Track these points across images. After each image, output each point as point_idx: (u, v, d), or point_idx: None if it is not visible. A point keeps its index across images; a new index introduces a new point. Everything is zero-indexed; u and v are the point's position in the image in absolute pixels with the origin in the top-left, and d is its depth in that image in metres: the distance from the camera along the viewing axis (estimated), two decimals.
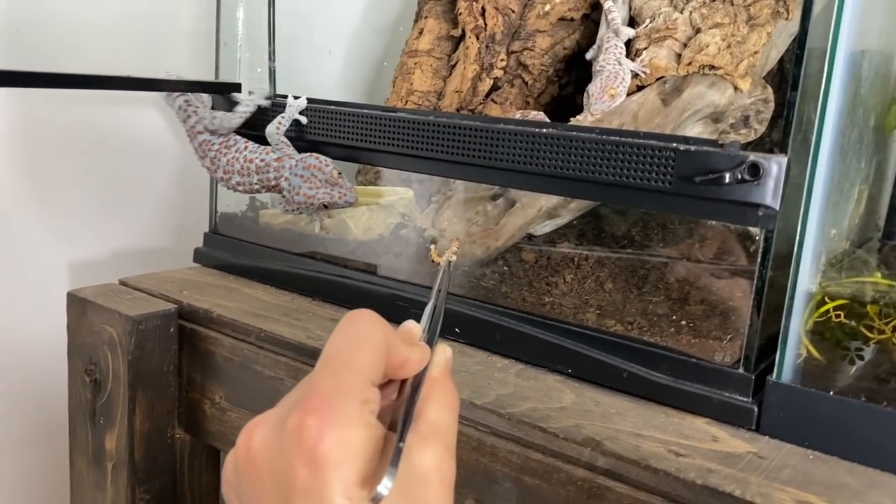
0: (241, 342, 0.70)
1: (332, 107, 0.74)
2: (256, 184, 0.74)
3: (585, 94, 0.77)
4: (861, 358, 0.56)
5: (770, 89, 0.79)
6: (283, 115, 0.76)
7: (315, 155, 0.72)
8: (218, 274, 0.86)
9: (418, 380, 0.38)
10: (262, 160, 0.73)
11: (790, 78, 0.86)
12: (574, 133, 0.60)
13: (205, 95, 0.80)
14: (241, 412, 0.71)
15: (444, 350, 0.42)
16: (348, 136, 0.73)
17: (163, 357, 0.73)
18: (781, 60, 0.84)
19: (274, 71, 0.91)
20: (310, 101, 0.78)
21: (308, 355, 0.65)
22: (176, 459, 0.77)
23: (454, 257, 0.54)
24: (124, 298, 0.75)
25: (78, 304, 0.76)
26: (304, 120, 0.76)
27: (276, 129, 0.75)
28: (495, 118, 0.72)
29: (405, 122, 0.69)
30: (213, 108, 0.81)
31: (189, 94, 0.78)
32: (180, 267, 0.88)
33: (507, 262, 0.74)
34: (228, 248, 0.87)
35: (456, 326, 0.68)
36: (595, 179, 0.59)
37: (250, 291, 0.80)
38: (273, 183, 0.73)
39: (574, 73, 0.96)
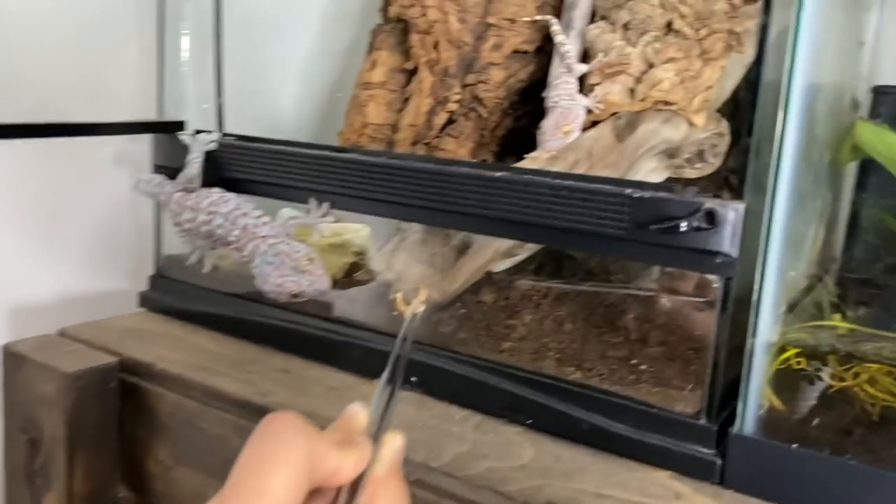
0: (185, 398, 0.67)
1: (280, 147, 0.72)
2: (233, 237, 0.70)
3: (539, 131, 0.75)
4: (819, 378, 0.55)
5: (725, 123, 0.78)
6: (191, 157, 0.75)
7: (287, 241, 0.68)
8: (164, 320, 0.82)
9: (358, 482, 0.34)
10: (253, 225, 0.69)
11: (744, 110, 0.85)
12: (528, 177, 0.59)
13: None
14: (187, 471, 0.67)
15: (394, 441, 0.36)
16: (297, 177, 0.70)
17: (104, 414, 0.69)
18: (735, 90, 0.84)
19: (222, 106, 0.88)
20: (255, 140, 0.75)
21: (255, 413, 0.62)
22: None
23: (422, 307, 0.49)
24: (63, 352, 0.72)
25: (13, 359, 0.72)
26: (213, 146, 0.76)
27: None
28: (448, 160, 0.70)
29: (356, 164, 0.67)
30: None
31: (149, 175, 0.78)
32: (129, 310, 0.85)
33: (464, 305, 0.72)
34: (175, 292, 0.84)
35: (413, 375, 0.66)
36: (549, 224, 0.57)
37: (197, 340, 0.76)
38: (245, 253, 0.69)
39: (529, 105, 0.95)
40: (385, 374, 0.40)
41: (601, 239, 0.55)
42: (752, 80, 0.86)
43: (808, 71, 0.52)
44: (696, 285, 0.73)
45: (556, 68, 0.79)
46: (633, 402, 0.57)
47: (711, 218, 0.51)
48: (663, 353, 0.62)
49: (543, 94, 0.77)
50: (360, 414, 0.37)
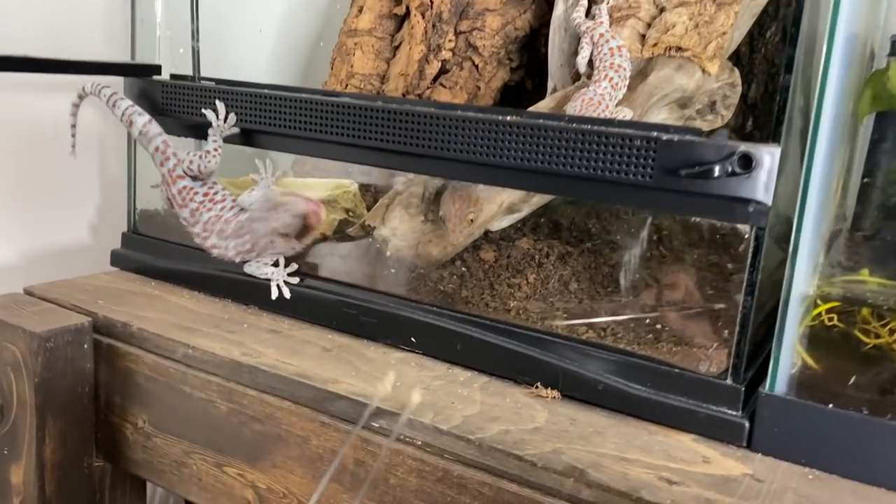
0: (166, 359, 0.62)
1: (265, 91, 0.66)
2: (232, 249, 0.64)
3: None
4: (854, 335, 0.51)
5: (737, 73, 0.74)
6: (213, 140, 0.67)
7: (268, 193, 0.64)
8: (138, 279, 0.77)
9: None
10: (238, 222, 0.63)
11: (749, 63, 0.81)
12: (542, 121, 0.54)
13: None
14: (169, 438, 0.62)
15: None
16: (285, 123, 0.65)
17: (76, 378, 0.64)
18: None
19: (198, 51, 0.82)
20: (238, 83, 0.70)
21: (244, 375, 0.57)
22: (95, 491, 0.68)
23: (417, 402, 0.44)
24: (30, 311, 0.66)
25: None
26: (236, 130, 0.68)
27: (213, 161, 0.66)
28: (452, 104, 0.65)
29: (350, 109, 0.62)
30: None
31: (165, 134, 0.68)
32: (97, 271, 0.79)
33: (465, 263, 0.68)
34: (150, 250, 0.78)
35: (412, 335, 0.62)
36: (567, 173, 0.53)
37: (175, 299, 0.71)
38: (247, 247, 0.63)
39: (526, 55, 0.90)
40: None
41: (624, 188, 0.51)
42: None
43: (850, 19, 0.48)
44: (712, 245, 0.69)
45: (560, 12, 0.75)
46: (652, 363, 0.53)
47: (747, 162, 0.47)
48: (683, 313, 0.59)
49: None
50: None
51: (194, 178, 0.66)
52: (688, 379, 0.52)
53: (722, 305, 0.57)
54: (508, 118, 0.55)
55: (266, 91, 0.66)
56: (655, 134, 0.50)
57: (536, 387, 0.56)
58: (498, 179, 0.58)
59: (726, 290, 0.58)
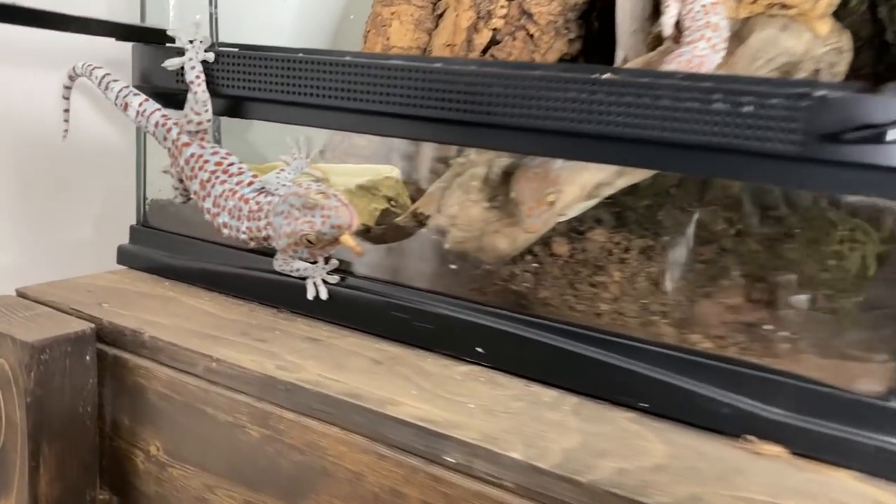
0: (184, 374, 0.52)
1: (300, 55, 0.56)
2: (244, 232, 0.55)
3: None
4: None
5: (847, 36, 0.64)
6: (189, 65, 0.59)
7: (302, 182, 0.54)
8: (149, 279, 0.67)
9: None
10: (256, 202, 0.55)
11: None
12: (649, 79, 0.44)
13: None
14: (188, 469, 0.52)
15: None
16: (324, 93, 0.55)
17: (76, 396, 0.54)
18: None
19: (216, 18, 0.72)
20: (266, 48, 0.59)
21: (280, 394, 0.47)
22: None
23: None
24: (22, 317, 0.56)
25: None
26: (210, 57, 0.59)
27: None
28: (527, 63, 0.55)
29: (404, 72, 0.51)
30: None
31: (159, 106, 0.61)
32: (101, 270, 0.69)
33: (536, 258, 0.58)
34: (163, 245, 0.68)
35: (479, 345, 0.51)
36: (685, 142, 0.43)
37: (193, 302, 0.61)
38: (262, 234, 0.54)
39: (584, 26, 0.80)
40: None
41: (762, 159, 0.41)
42: None
43: None
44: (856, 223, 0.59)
45: None
46: (791, 379, 0.43)
47: None
48: (827, 316, 0.48)
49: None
50: None
51: (201, 145, 0.59)
52: (841, 400, 0.41)
53: (885, 304, 0.46)
54: (604, 76, 0.45)
55: (302, 55, 0.56)
56: (806, 89, 0.39)
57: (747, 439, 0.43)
58: (591, 154, 0.47)
59: (884, 285, 0.48)
